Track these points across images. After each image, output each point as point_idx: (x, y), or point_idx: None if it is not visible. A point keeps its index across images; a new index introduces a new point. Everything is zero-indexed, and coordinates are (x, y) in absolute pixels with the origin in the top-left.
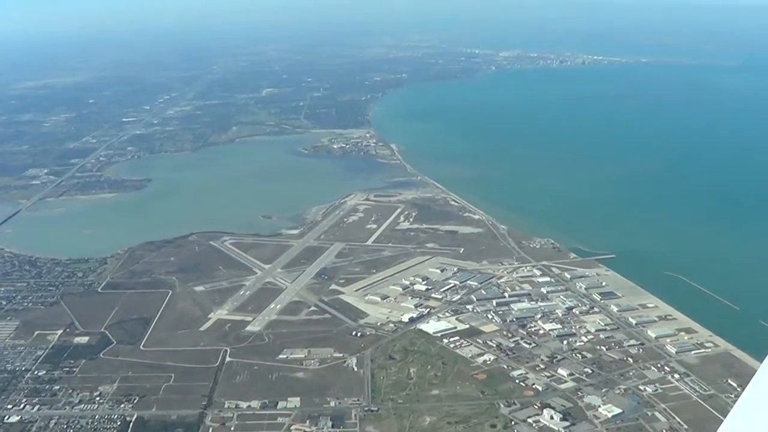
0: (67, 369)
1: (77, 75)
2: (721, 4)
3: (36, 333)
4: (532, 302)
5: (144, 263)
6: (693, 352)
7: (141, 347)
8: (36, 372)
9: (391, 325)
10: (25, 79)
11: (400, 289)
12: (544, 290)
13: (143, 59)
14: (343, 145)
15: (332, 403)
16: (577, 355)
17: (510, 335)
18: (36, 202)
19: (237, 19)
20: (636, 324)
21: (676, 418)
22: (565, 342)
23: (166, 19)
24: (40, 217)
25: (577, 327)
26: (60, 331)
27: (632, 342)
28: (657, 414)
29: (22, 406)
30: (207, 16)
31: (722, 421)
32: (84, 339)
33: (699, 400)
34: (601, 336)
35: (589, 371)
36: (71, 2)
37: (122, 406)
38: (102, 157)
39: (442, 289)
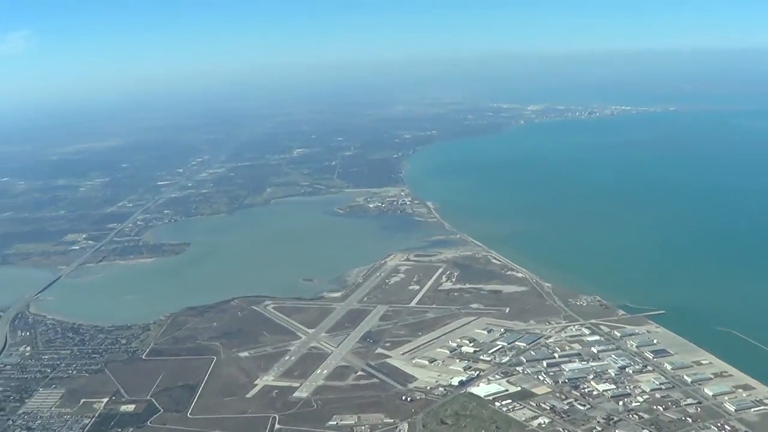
0: None
1: (108, 140)
2: (733, 48)
3: (82, 401)
4: (584, 362)
5: (187, 329)
6: (753, 409)
7: (188, 415)
8: None
9: (441, 388)
10: (58, 145)
11: (448, 352)
12: (594, 349)
13: (172, 123)
14: (379, 204)
15: None
16: (634, 415)
17: (563, 397)
18: (76, 268)
19: (259, 81)
20: (691, 382)
21: None
22: (620, 402)
23: (191, 82)
24: (80, 283)
25: (632, 387)
26: (106, 399)
27: (689, 401)
28: None
29: None
30: (231, 77)
31: None
32: (130, 407)
33: None
34: (657, 395)
35: None
36: (98, 70)
37: None
38: (139, 221)
39: (490, 351)
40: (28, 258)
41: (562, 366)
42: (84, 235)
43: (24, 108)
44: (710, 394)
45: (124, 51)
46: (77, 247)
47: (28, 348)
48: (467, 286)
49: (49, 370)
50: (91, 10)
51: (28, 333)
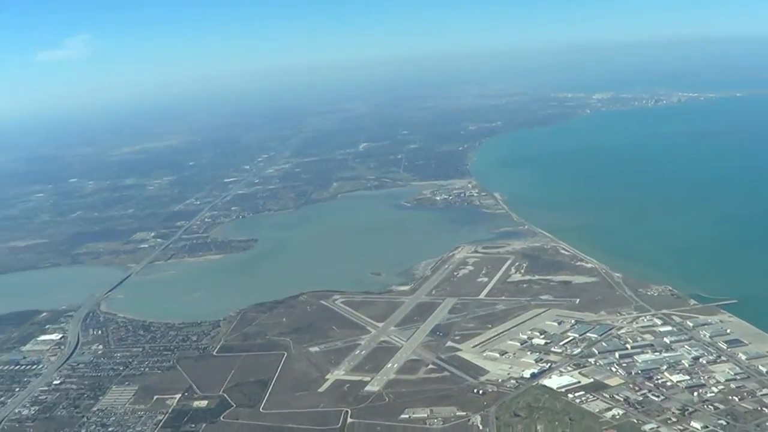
0: None
1: (173, 139)
2: None
3: (155, 398)
4: (656, 353)
5: (257, 325)
6: None
7: (261, 410)
8: None
9: (513, 381)
10: (123, 145)
11: (519, 344)
12: (667, 340)
13: (236, 121)
14: (446, 197)
15: None
16: (709, 406)
17: (637, 388)
18: (145, 266)
19: (321, 78)
20: (767, 372)
21: None
22: (695, 393)
23: (250, 80)
24: (150, 281)
25: (706, 377)
26: (178, 395)
27: (765, 391)
28: None
29: None
30: (289, 75)
31: None
32: (203, 403)
33: None
34: (732, 386)
35: (724, 423)
36: (157, 72)
37: None
38: (207, 219)
39: (561, 343)
40: (98, 257)
41: (635, 357)
42: (153, 234)
43: (86, 111)
44: None
45: (182, 53)
46: (146, 246)
47: (101, 346)
48: (536, 277)
49: (121, 368)
50: (148, 14)
51: (99, 331)
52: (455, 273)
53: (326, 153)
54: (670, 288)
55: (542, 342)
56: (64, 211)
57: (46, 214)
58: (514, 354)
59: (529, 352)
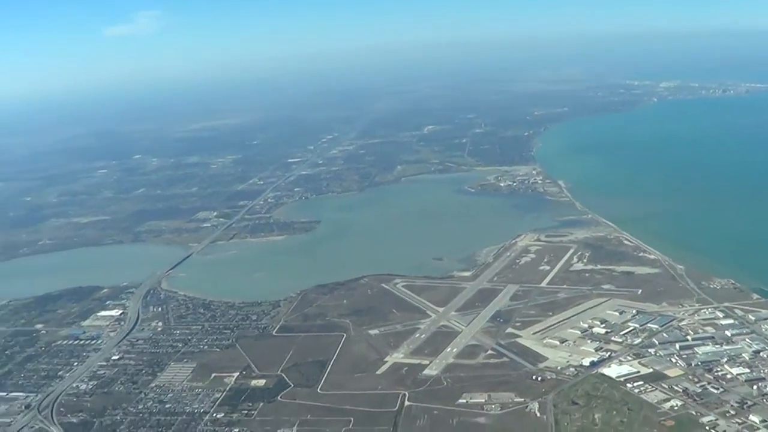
0: (246, 412)
1: (239, 117)
2: None
3: (213, 375)
4: (717, 345)
5: (317, 306)
6: None
7: (318, 390)
8: (214, 414)
9: (572, 369)
10: (190, 122)
11: (579, 332)
12: (728, 333)
13: (302, 100)
14: (510, 183)
15: None
16: None
17: (696, 380)
18: (207, 245)
19: (388, 59)
20: None
21: None
22: (754, 387)
23: (318, 61)
24: (211, 260)
25: (766, 371)
26: (236, 374)
27: None
28: None
29: None
30: (361, 57)
31: None
32: (261, 382)
33: None
34: None
35: None
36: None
37: None
38: (270, 199)
39: (621, 332)
40: (160, 235)
41: (695, 349)
42: (215, 213)
43: (152, 87)
44: None
45: (251, 33)
46: (208, 225)
47: (160, 323)
48: (598, 267)
49: (180, 345)
50: None
51: (159, 308)
52: (517, 260)
53: (391, 135)
54: (733, 281)
55: (603, 331)
56: (128, 188)
57: (109, 191)
58: (574, 342)
59: (589, 341)
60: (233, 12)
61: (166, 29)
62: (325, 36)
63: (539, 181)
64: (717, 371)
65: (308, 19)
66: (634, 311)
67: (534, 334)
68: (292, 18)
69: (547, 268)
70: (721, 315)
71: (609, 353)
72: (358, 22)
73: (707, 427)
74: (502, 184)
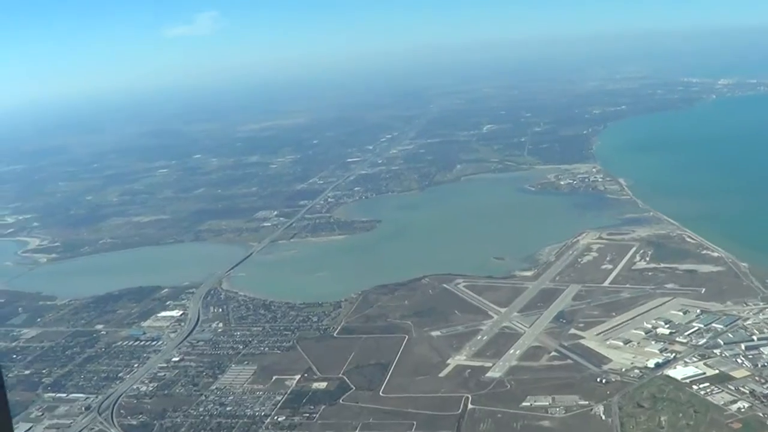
0: (307, 415)
1: (298, 117)
2: None
3: (274, 378)
4: None
5: (378, 307)
6: None
7: (380, 393)
8: (276, 417)
9: (637, 370)
10: (249, 122)
11: (643, 333)
12: None
13: (360, 100)
14: (570, 181)
15: None
16: None
17: (763, 381)
18: (267, 245)
19: (445, 59)
20: None
21: None
22: None
23: (374, 61)
24: (272, 260)
25: None
26: (298, 376)
27: None
28: None
29: None
30: (418, 57)
31: None
32: (322, 384)
33: None
34: None
35: None
36: (286, 48)
37: None
38: (330, 198)
39: (686, 333)
40: (220, 234)
41: (761, 349)
42: (275, 212)
43: (212, 87)
44: None
45: (308, 32)
46: (269, 224)
47: (221, 324)
48: (661, 265)
49: (241, 347)
50: None
51: (220, 309)
52: (579, 259)
53: (450, 134)
54: None
55: (667, 331)
56: (188, 188)
57: (169, 190)
58: (638, 343)
59: (653, 342)
60: (288, 12)
61: (225, 30)
62: (380, 36)
63: (599, 180)
64: None
65: (364, 19)
66: (698, 311)
67: (597, 335)
68: (348, 18)
69: (610, 266)
70: None
71: (674, 354)
72: (411, 21)
73: None
74: (562, 183)
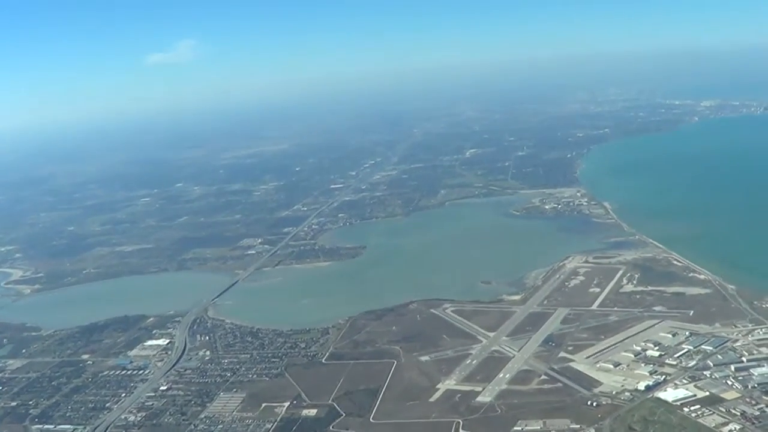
0: None
1: (281, 143)
2: None
3: (263, 405)
4: None
5: (366, 333)
6: None
7: (371, 419)
8: None
9: (627, 393)
10: (231, 149)
11: (632, 356)
12: None
13: (342, 126)
14: (555, 206)
15: None
16: None
17: (754, 402)
18: (253, 272)
19: (427, 81)
20: None
21: None
22: None
23: (361, 84)
24: (257, 287)
25: None
26: (287, 404)
27: None
28: None
29: None
30: (400, 80)
31: None
32: (312, 411)
33: None
34: None
35: None
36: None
37: None
38: (314, 225)
39: (675, 355)
40: (205, 263)
41: (751, 371)
42: (260, 240)
43: (193, 114)
44: None
45: (289, 58)
46: (253, 252)
47: (208, 352)
48: (649, 288)
49: (229, 374)
50: (255, 17)
51: (207, 337)
52: (566, 283)
53: (433, 159)
54: None
55: (656, 354)
56: (171, 216)
57: (152, 219)
58: (628, 366)
59: (643, 364)
60: (267, 38)
61: (205, 57)
62: (361, 59)
63: (584, 203)
64: None
65: (345, 43)
66: (687, 333)
67: (587, 358)
68: (329, 42)
69: (597, 290)
70: None
71: (664, 376)
72: (391, 45)
73: None
74: (547, 207)
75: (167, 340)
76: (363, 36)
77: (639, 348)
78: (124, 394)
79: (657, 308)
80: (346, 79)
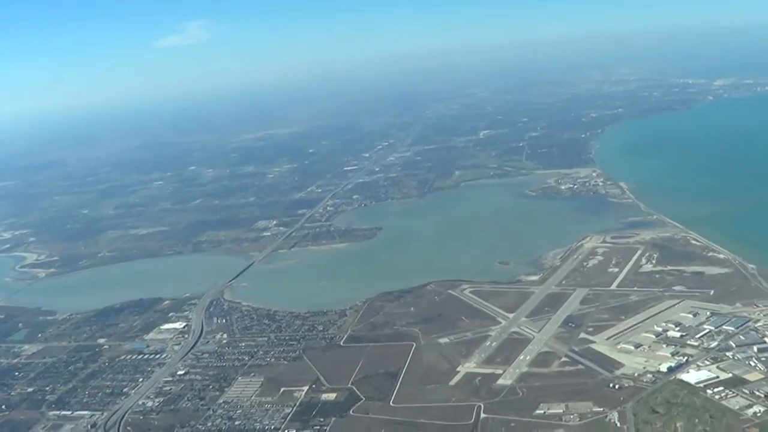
0: (318, 427)
1: (293, 126)
2: None
3: (282, 390)
4: None
5: (384, 315)
6: None
7: (391, 403)
8: (286, 431)
9: (649, 375)
10: (243, 132)
11: (653, 336)
12: None
13: (355, 108)
14: (571, 186)
15: None
16: None
17: None
18: (268, 254)
19: (439, 63)
20: None
21: None
22: None
23: (373, 67)
24: (273, 269)
25: None
26: (306, 388)
27: None
28: None
29: None
30: (413, 62)
31: None
32: (331, 396)
33: None
34: None
35: None
36: (275, 58)
37: None
38: (329, 207)
39: (697, 336)
40: (220, 245)
41: None
42: (275, 222)
43: (205, 97)
44: None
45: (302, 39)
46: (268, 234)
47: (225, 335)
48: (668, 268)
49: (246, 358)
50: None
51: (223, 320)
52: (585, 263)
53: (447, 140)
54: None
55: (678, 334)
56: (185, 199)
57: (166, 202)
58: (649, 347)
59: (664, 345)
60: (280, 18)
61: (216, 38)
62: (374, 41)
63: (600, 183)
64: None
65: (359, 25)
66: (708, 313)
67: (607, 339)
68: (343, 24)
69: (616, 270)
70: None
71: (686, 358)
72: (405, 26)
73: None
74: (563, 187)
75: (183, 324)
76: (376, 18)
77: (660, 329)
78: (141, 379)
79: (677, 288)
80: (359, 63)
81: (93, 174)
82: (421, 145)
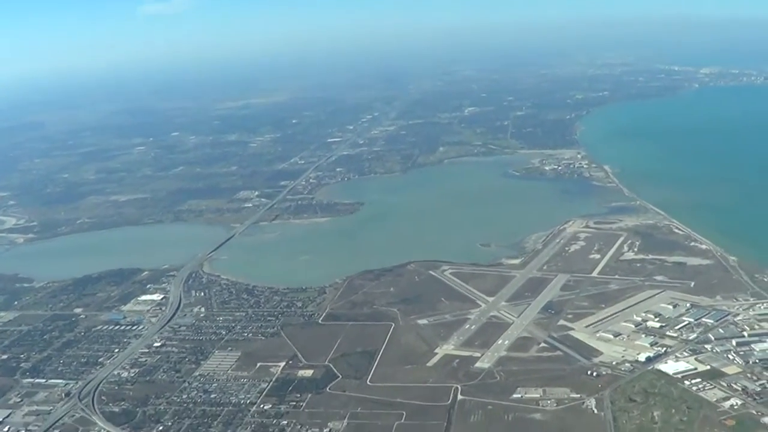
0: (294, 403)
1: (277, 96)
2: None
3: (258, 365)
4: None
5: (363, 293)
6: None
7: (368, 382)
8: (262, 406)
9: (628, 364)
10: (226, 100)
11: (633, 326)
12: None
13: (340, 80)
14: (555, 167)
15: None
16: None
17: (755, 378)
18: (249, 227)
19: (425, 42)
20: None
21: None
22: None
23: (358, 42)
24: (254, 242)
25: None
26: (283, 364)
27: None
28: None
29: None
30: (398, 39)
31: None
32: (308, 372)
33: None
34: None
35: None
36: (264, 27)
37: None
38: (312, 179)
39: (676, 327)
40: (201, 215)
41: (752, 345)
42: (256, 193)
43: (188, 65)
44: None
45: (288, 10)
46: (250, 205)
47: (203, 309)
48: (650, 256)
49: (224, 332)
50: None
51: (202, 293)
52: (567, 248)
53: (431, 116)
54: None
55: (657, 325)
56: (167, 166)
57: (148, 168)
58: (628, 336)
59: (643, 335)
60: None
61: (202, 6)
62: (362, 17)
63: (584, 166)
64: None
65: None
66: (688, 305)
67: (587, 326)
68: None
69: (598, 256)
70: None
71: (664, 348)
72: (393, 3)
73: None
74: (547, 168)
75: (161, 296)
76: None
77: (639, 318)
78: (117, 350)
79: (658, 278)
80: (343, 37)
81: (74, 137)
82: (405, 119)
